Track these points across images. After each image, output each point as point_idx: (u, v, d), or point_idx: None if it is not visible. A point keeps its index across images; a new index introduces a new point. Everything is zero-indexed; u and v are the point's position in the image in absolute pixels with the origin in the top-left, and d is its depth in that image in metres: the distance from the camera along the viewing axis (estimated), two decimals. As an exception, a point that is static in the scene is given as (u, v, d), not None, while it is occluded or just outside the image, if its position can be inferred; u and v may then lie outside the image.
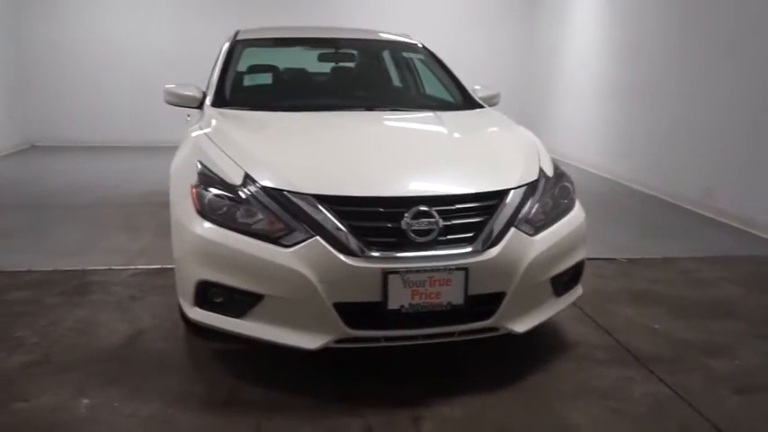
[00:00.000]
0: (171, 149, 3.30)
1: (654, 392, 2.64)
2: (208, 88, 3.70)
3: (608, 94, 7.89)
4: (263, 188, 2.51)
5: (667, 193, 6.44)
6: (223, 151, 2.75)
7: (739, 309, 3.59)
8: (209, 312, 2.59)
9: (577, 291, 2.98)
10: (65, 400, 2.49)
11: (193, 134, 3.14)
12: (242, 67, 4.00)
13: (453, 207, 2.51)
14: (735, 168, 5.51)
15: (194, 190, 2.62)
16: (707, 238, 5.14)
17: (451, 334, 2.57)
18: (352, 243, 2.38)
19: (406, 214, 2.44)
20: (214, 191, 2.56)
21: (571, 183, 2.96)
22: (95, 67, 9.66)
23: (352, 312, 2.41)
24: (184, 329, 3.08)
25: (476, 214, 2.54)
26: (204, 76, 4.02)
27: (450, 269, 2.43)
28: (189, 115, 4.45)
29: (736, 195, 5.48)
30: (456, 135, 3.22)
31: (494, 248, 2.50)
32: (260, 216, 2.47)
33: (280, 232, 2.43)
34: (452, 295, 2.45)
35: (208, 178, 2.63)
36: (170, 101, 3.76)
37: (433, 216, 2.45)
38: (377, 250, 2.40)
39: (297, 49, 4.33)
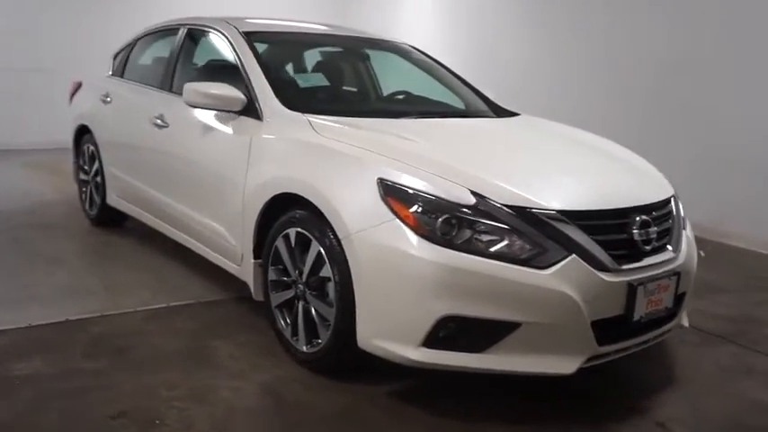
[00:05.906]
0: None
1: (772, 363, 3.06)
2: (250, 88, 3.11)
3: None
4: (506, 207, 2.29)
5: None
6: (413, 166, 2.41)
7: (718, 285, 4.24)
8: (441, 351, 2.28)
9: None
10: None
11: (320, 143, 2.68)
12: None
13: (656, 214, 2.59)
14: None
15: (411, 213, 2.27)
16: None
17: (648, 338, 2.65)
18: (605, 258, 2.33)
19: (633, 225, 2.45)
20: (442, 213, 2.26)
21: None
22: None
23: (602, 329, 2.35)
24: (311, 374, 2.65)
25: (665, 220, 2.66)
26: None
27: (670, 275, 2.52)
28: (158, 117, 3.71)
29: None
30: (579, 144, 3.22)
31: (682, 251, 2.66)
32: (501, 237, 2.26)
33: (528, 252, 2.25)
34: (668, 300, 2.55)
35: (423, 199, 2.29)
36: (198, 102, 3.09)
37: (651, 224, 2.51)
38: (622, 263, 2.37)
39: (299, 47, 3.88)
